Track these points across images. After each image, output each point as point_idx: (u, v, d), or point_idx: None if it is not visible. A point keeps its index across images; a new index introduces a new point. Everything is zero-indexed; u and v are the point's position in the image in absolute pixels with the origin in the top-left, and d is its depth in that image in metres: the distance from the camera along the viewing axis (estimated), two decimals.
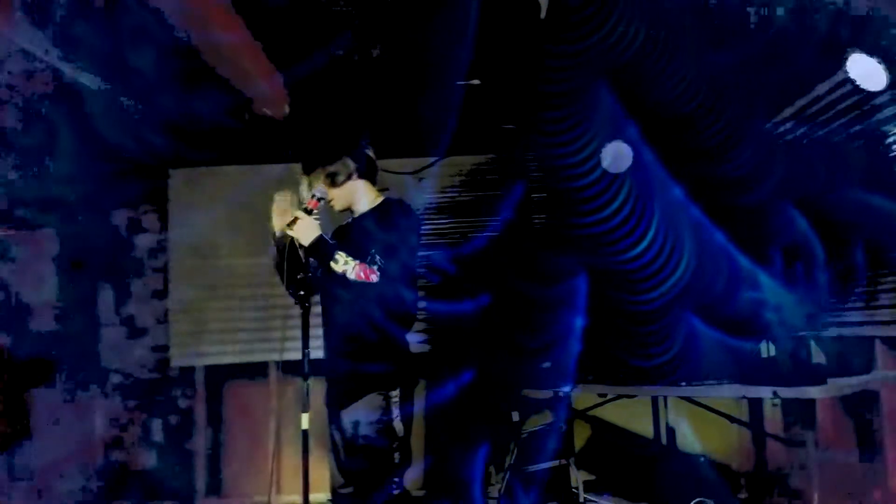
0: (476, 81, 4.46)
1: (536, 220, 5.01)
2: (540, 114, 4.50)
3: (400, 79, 4.35)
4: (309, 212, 2.69)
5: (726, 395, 3.82)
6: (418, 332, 4.67)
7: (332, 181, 2.77)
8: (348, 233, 2.84)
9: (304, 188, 2.85)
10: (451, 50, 3.89)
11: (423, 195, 4.90)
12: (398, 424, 2.68)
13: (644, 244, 4.29)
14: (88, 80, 4.01)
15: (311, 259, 2.72)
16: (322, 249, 2.64)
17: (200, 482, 4.85)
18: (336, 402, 2.75)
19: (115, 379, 4.83)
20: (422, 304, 4.65)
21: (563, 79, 3.98)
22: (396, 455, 2.67)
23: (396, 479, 2.67)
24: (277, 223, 2.77)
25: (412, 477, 4.00)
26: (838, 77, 3.49)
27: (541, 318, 4.55)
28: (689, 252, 4.24)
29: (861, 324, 3.80)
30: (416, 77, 4.28)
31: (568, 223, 4.72)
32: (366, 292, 2.61)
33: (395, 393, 2.68)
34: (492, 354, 4.67)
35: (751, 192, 3.88)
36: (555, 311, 4.47)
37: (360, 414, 2.64)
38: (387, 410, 2.65)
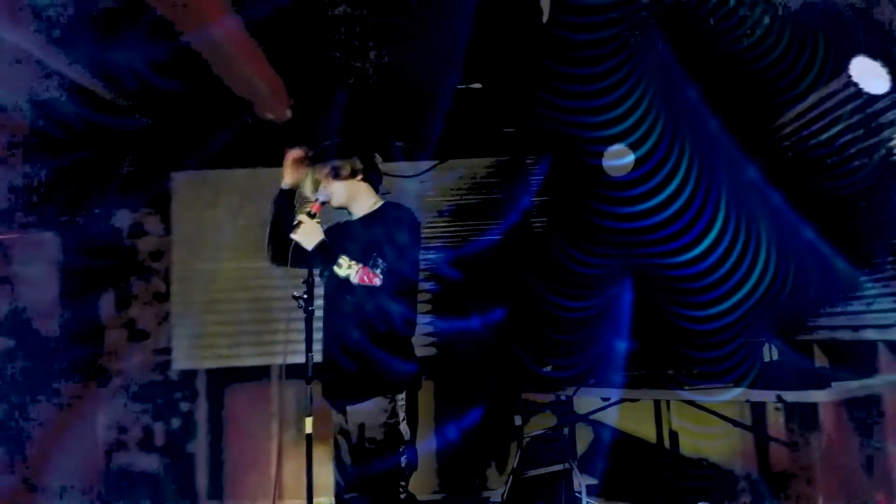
0: (477, 85, 4.47)
1: (536, 225, 5.00)
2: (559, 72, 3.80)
3: (399, 83, 4.36)
4: (312, 215, 2.69)
5: (730, 398, 3.81)
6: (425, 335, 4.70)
7: (336, 174, 2.78)
8: (347, 235, 2.84)
9: (307, 184, 2.86)
10: (448, 53, 3.90)
11: (423, 199, 4.91)
12: (404, 428, 2.67)
13: (706, 243, 3.53)
14: (91, 84, 4.01)
15: (314, 263, 2.72)
16: (325, 253, 2.65)
17: (202, 486, 4.84)
18: (339, 407, 2.75)
19: (117, 382, 4.83)
20: (427, 320, 4.68)
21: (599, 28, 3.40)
22: (403, 459, 2.66)
23: (403, 483, 2.67)
24: (288, 176, 2.83)
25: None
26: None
27: (571, 335, 4.21)
28: (767, 252, 3.48)
29: (864, 327, 3.80)
30: (414, 81, 4.28)
31: (599, 217, 4.01)
32: (369, 295, 2.61)
33: (401, 396, 2.68)
34: (496, 359, 4.67)
35: (852, 174, 3.17)
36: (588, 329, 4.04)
37: (366, 417, 2.64)
38: (392, 414, 2.65)
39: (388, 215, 2.80)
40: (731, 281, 3.50)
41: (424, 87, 4.24)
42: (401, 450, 2.66)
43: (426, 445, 4.61)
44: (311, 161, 2.85)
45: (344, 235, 2.83)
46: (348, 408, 2.71)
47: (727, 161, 3.58)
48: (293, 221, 2.70)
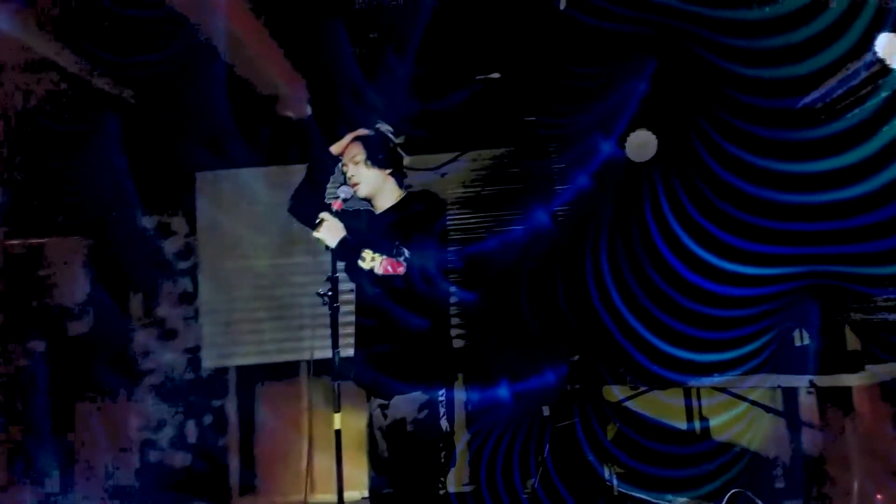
0: (496, 75, 4.43)
1: (560, 214, 4.96)
2: None
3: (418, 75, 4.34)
4: (334, 213, 2.69)
5: (761, 385, 3.76)
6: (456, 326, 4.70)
7: (373, 159, 2.76)
8: (370, 228, 2.82)
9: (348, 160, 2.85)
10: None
11: (444, 191, 4.89)
12: (444, 423, 2.66)
13: None
14: (115, 89, 4.05)
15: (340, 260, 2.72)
16: (348, 249, 2.65)
17: (235, 482, 4.90)
18: (378, 402, 2.73)
19: (149, 381, 4.90)
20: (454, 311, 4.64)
21: None
22: (443, 454, 2.66)
23: (442, 479, 2.65)
24: (338, 146, 2.86)
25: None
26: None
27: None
28: None
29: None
30: (432, 73, 4.26)
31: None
32: (395, 285, 2.59)
33: (442, 392, 2.68)
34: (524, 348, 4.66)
35: None
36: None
37: (406, 412, 2.61)
38: (433, 409, 2.64)
39: (410, 203, 2.79)
40: None
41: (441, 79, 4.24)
42: (440, 445, 2.66)
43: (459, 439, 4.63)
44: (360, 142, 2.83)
45: (367, 228, 2.82)
46: (388, 402, 2.68)
47: None
48: (325, 183, 2.78)
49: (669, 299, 4.31)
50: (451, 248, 4.80)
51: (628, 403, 4.47)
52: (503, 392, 4.63)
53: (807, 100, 3.69)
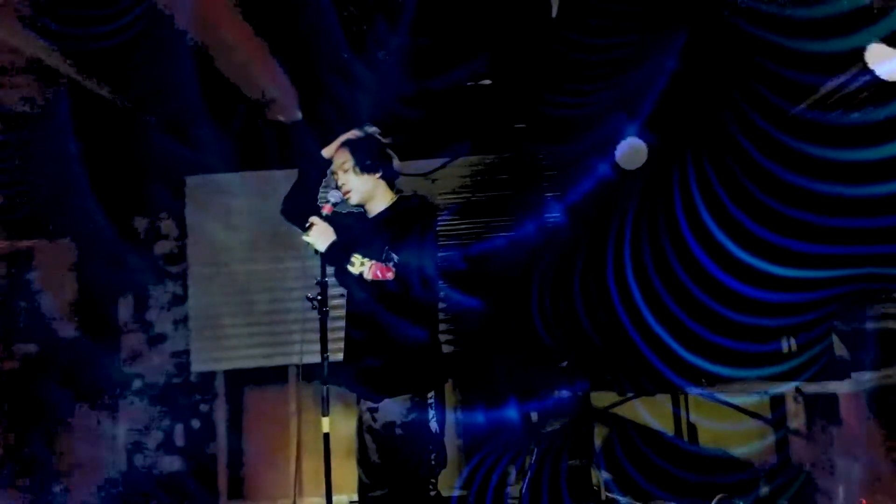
0: (487, 81, 4.45)
1: (550, 220, 4.97)
2: None
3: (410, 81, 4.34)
4: (324, 217, 2.69)
5: (748, 391, 3.78)
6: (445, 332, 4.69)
7: (361, 166, 2.75)
8: (362, 233, 2.82)
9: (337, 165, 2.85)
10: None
11: (433, 197, 4.90)
12: (434, 425, 2.66)
13: None
14: (104, 91, 4.04)
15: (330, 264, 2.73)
16: (338, 253, 2.65)
17: (223, 485, 4.88)
18: (368, 405, 2.73)
19: (137, 384, 4.87)
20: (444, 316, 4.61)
21: None
22: (433, 457, 2.65)
23: (433, 481, 2.66)
24: (330, 149, 2.86)
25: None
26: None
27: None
28: None
29: (883, 317, 3.75)
30: (425, 79, 4.25)
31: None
32: (384, 290, 2.59)
33: (431, 393, 2.68)
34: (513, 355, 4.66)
35: None
36: None
37: (396, 415, 2.62)
38: (422, 411, 2.64)
39: (401, 208, 2.80)
40: None
41: (433, 84, 4.22)
42: (430, 447, 2.65)
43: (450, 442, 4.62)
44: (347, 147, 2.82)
45: (359, 233, 2.81)
46: (377, 405, 2.69)
47: None
48: (317, 186, 2.81)
49: (699, 304, 3.95)
50: (452, 251, 4.83)
51: (616, 410, 4.49)
52: (512, 413, 4.52)
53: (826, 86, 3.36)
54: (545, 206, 4.94)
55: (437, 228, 2.88)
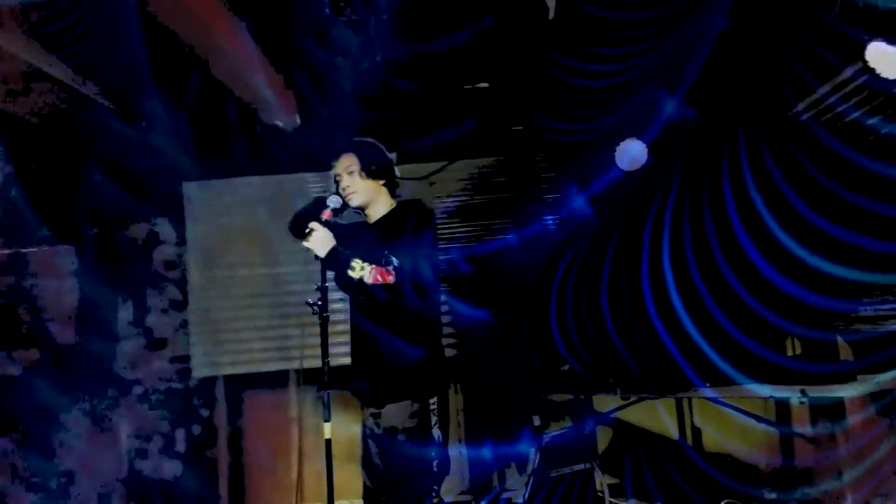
0: (484, 84, 4.44)
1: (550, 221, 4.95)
2: None
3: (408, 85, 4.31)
4: (324, 223, 2.69)
5: (753, 394, 3.75)
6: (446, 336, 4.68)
7: (367, 170, 2.78)
8: (363, 238, 2.83)
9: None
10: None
11: (432, 200, 4.89)
12: (437, 431, 2.66)
13: None
14: (101, 98, 4.02)
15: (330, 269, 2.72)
16: (338, 259, 2.65)
17: (224, 491, 4.86)
18: (371, 410, 2.74)
19: (137, 390, 4.86)
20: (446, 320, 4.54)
21: None
22: (435, 463, 2.65)
23: (435, 488, 2.65)
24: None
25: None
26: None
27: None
28: None
29: (890, 318, 3.72)
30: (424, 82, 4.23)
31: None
32: (385, 294, 2.60)
33: (433, 399, 2.68)
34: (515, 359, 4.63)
35: None
36: None
37: (398, 421, 2.62)
38: (425, 417, 2.64)
39: (401, 212, 2.82)
40: None
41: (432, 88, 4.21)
42: (433, 453, 2.65)
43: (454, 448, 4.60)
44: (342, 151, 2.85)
45: (360, 238, 2.83)
46: (380, 410, 2.70)
47: None
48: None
49: (749, 312, 3.35)
50: (452, 253, 4.81)
51: (618, 414, 4.46)
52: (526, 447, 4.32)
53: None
54: (544, 207, 4.92)
55: (438, 232, 2.89)
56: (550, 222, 4.86)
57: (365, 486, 2.76)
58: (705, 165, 3.61)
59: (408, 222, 2.71)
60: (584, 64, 3.58)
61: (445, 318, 4.72)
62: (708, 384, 3.58)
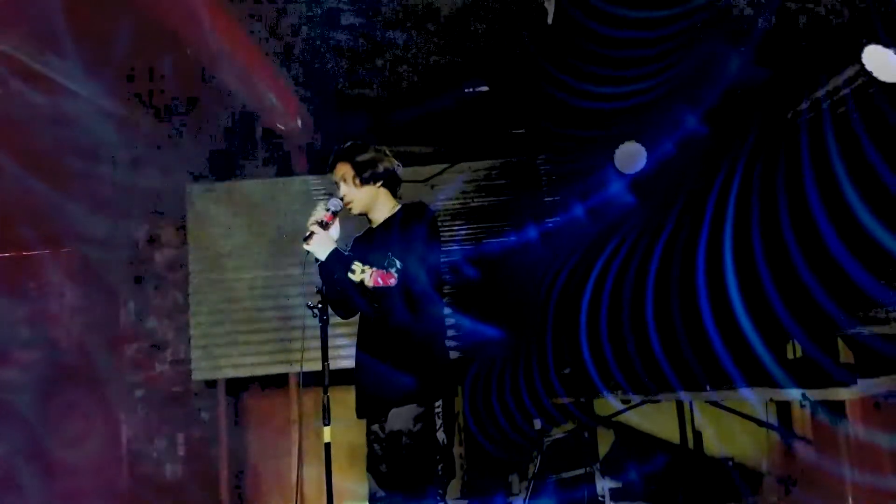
0: (485, 87, 4.44)
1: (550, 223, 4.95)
2: None
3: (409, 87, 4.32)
4: (325, 226, 2.68)
5: (754, 398, 3.75)
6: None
7: (360, 178, 2.75)
8: (368, 243, 2.83)
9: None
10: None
11: (433, 203, 4.89)
12: (441, 435, 2.64)
13: None
14: (106, 101, 4.03)
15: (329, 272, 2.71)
16: (338, 262, 2.64)
17: (224, 494, 4.86)
18: (374, 415, 2.72)
19: (138, 393, 4.86)
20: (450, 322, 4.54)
21: None
22: (440, 467, 2.64)
23: (440, 492, 2.64)
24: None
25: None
26: None
27: None
28: None
29: (890, 321, 3.71)
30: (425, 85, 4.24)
31: None
32: (387, 297, 2.59)
33: (438, 403, 2.66)
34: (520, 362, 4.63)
35: None
36: None
37: (403, 425, 2.60)
38: (430, 421, 2.62)
39: (405, 215, 2.78)
40: None
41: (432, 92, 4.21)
42: (437, 457, 2.63)
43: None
44: (338, 158, 2.80)
45: (365, 244, 2.82)
46: (385, 416, 2.68)
47: None
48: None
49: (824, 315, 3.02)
50: (453, 255, 4.81)
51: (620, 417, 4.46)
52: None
53: None
54: (544, 208, 4.93)
55: (441, 234, 2.87)
56: (551, 224, 4.88)
57: (371, 490, 2.73)
58: (779, 137, 3.12)
59: (410, 225, 2.69)
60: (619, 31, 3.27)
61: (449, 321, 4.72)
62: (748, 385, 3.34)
